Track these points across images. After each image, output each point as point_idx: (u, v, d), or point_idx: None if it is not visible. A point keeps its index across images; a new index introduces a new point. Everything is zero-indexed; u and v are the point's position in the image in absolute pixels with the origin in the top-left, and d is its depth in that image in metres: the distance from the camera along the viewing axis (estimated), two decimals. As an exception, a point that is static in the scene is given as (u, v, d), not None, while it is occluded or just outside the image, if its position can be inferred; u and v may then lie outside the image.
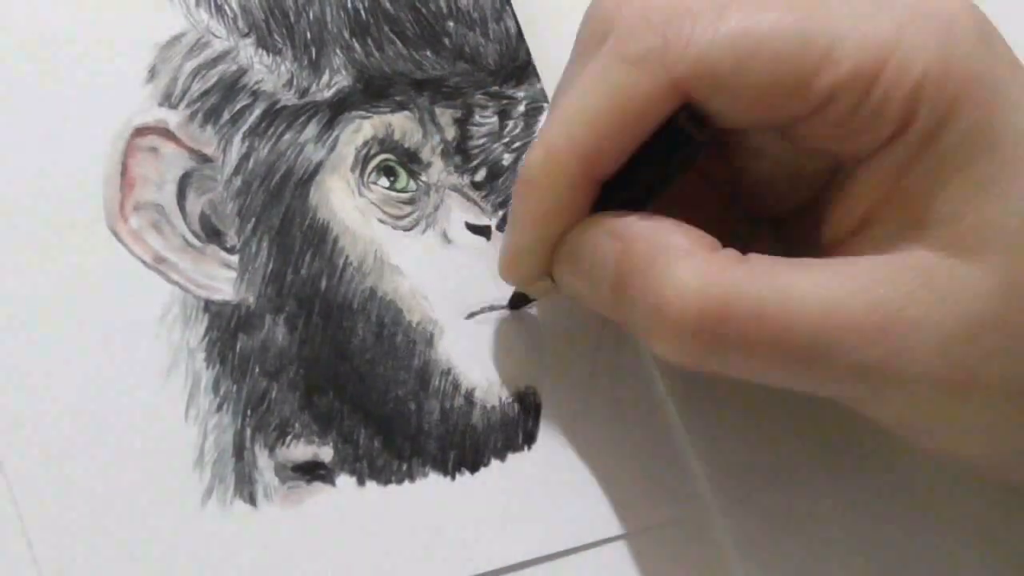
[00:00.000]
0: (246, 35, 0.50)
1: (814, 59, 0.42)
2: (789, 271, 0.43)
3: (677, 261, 0.43)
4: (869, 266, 0.43)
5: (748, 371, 0.44)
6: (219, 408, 0.46)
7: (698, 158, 0.45)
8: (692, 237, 0.44)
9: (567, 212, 0.45)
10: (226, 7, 0.50)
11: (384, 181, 0.50)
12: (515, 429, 0.49)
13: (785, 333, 0.42)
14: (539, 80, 0.53)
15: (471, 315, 0.50)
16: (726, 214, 0.49)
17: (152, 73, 0.49)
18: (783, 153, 0.46)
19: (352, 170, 0.50)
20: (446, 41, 0.51)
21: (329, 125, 0.50)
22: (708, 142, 0.44)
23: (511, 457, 0.49)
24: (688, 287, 0.42)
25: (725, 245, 0.44)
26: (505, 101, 0.52)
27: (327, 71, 0.50)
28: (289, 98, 0.49)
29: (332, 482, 0.47)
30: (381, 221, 0.50)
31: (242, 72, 0.49)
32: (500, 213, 0.51)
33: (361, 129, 0.50)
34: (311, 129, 0.49)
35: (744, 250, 0.44)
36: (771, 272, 0.43)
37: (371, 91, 0.50)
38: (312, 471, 0.47)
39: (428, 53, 0.51)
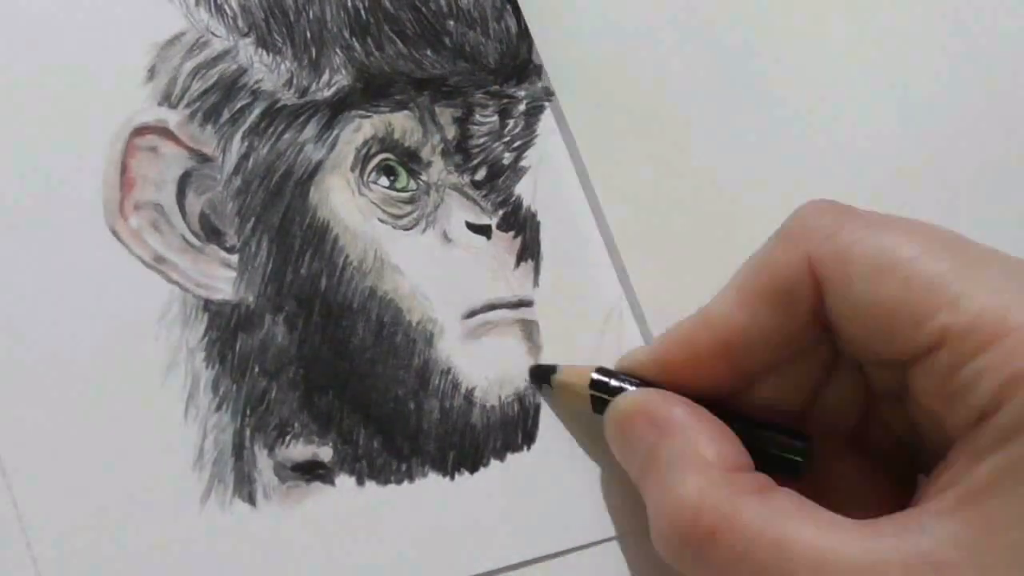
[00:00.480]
0: (246, 34, 0.50)
1: (940, 300, 0.42)
2: (799, 521, 0.42)
3: (690, 470, 0.44)
4: (887, 542, 0.41)
5: None
6: (218, 407, 0.47)
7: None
8: (721, 450, 0.45)
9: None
10: (226, 6, 0.50)
11: (384, 180, 0.51)
12: (514, 429, 0.50)
13: None
14: (540, 79, 0.53)
15: (471, 314, 0.50)
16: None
17: (151, 72, 0.49)
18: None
19: (352, 169, 0.50)
20: (446, 40, 0.52)
21: (329, 124, 0.50)
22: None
23: (510, 457, 0.50)
24: (686, 501, 0.43)
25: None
26: (506, 100, 0.53)
27: (327, 70, 0.51)
28: (289, 97, 0.50)
29: (331, 482, 0.48)
30: (381, 220, 0.50)
31: (242, 71, 0.50)
32: (500, 212, 0.52)
33: (361, 128, 0.51)
34: (311, 128, 0.50)
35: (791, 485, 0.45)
36: (780, 515, 0.43)
37: (371, 90, 0.51)
38: (311, 471, 0.48)
39: (428, 52, 0.52)
